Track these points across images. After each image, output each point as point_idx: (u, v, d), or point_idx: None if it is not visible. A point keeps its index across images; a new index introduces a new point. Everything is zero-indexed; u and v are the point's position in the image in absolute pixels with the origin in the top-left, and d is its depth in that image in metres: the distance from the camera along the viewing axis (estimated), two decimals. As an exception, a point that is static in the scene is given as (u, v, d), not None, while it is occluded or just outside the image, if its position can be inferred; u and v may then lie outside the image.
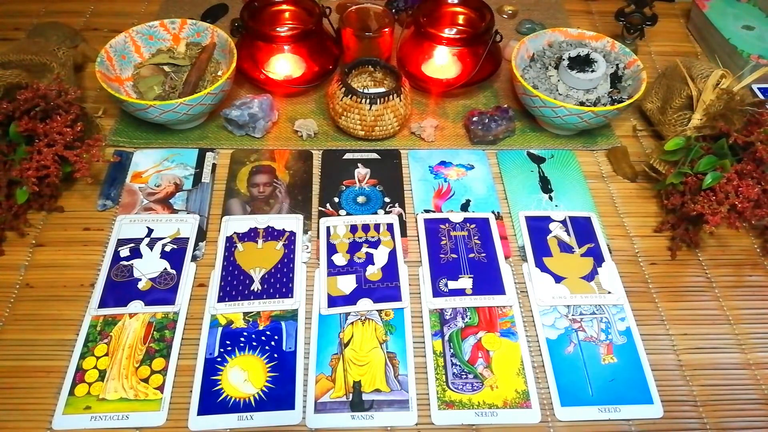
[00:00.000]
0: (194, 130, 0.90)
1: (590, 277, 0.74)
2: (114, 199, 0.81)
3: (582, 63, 0.89)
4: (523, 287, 0.74)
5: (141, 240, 0.76)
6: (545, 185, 0.85)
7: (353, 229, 0.78)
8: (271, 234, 0.77)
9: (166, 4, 1.15)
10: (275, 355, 0.66)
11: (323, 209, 0.81)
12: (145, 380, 0.64)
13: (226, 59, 0.92)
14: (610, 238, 0.80)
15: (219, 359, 0.66)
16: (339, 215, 0.80)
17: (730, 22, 1.06)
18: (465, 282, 0.73)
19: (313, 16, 0.94)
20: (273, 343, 0.67)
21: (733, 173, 0.73)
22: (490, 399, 0.64)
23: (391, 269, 0.74)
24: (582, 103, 0.88)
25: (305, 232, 0.78)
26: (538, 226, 0.79)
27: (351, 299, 0.71)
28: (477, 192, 0.84)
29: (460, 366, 0.66)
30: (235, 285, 0.72)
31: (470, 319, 0.70)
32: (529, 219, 0.80)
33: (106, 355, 0.65)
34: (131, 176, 0.83)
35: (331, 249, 0.76)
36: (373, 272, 0.74)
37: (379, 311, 0.70)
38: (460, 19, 1.02)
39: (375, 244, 0.77)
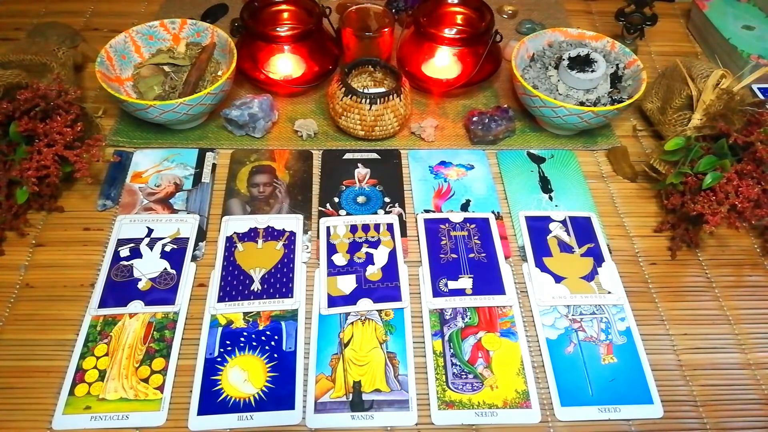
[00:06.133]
0: (194, 130, 0.90)
1: (590, 277, 0.74)
2: (114, 199, 0.81)
3: (582, 63, 0.89)
4: (523, 287, 0.74)
5: (141, 240, 0.76)
6: (545, 185, 0.85)
7: (353, 229, 0.78)
8: (271, 234, 0.77)
9: (166, 4, 1.15)
10: (275, 355, 0.66)
11: (323, 209, 0.81)
12: (145, 380, 0.64)
13: (226, 59, 0.92)
14: (610, 238, 0.80)
15: (219, 359, 0.66)
16: (339, 215, 0.80)
17: (730, 22, 1.06)
18: (465, 282, 0.73)
19: (313, 16, 0.94)
20: (273, 343, 0.67)
21: (733, 173, 0.73)
22: (490, 399, 0.64)
23: (391, 269, 0.74)
24: (582, 103, 0.88)
25: (305, 232, 0.78)
26: (538, 226, 0.79)
27: (351, 299, 0.71)
28: (477, 192, 0.84)
29: (460, 366, 0.66)
30: (235, 285, 0.72)
31: (470, 319, 0.70)
32: (529, 219, 0.80)
33: (106, 355, 0.65)
34: (131, 176, 0.83)
35: (331, 249, 0.76)
36: (373, 272, 0.74)
37: (379, 311, 0.70)
38: (460, 19, 1.02)
39: (375, 244, 0.77)
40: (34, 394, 0.63)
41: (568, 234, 0.79)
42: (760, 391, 0.66)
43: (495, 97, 0.99)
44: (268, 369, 0.65)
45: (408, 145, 0.90)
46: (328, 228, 0.78)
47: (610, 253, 0.77)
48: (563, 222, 0.80)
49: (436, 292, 0.72)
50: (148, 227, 0.77)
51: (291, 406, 0.62)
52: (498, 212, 0.81)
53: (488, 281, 0.73)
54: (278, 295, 0.71)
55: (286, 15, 1.01)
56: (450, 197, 0.83)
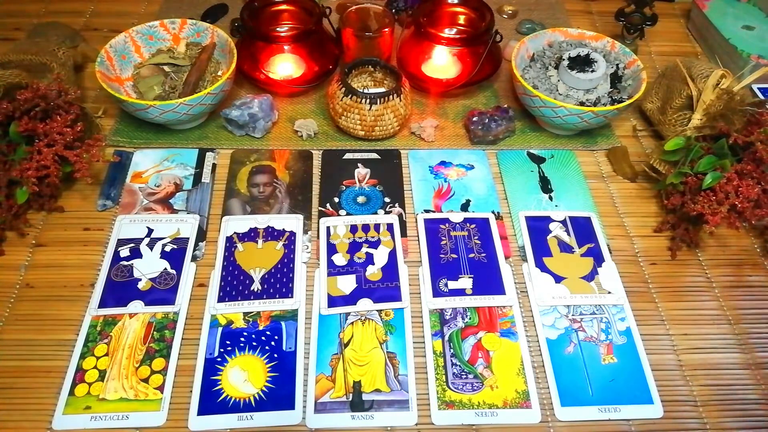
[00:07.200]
0: (194, 130, 0.90)
1: (590, 277, 0.74)
2: (114, 199, 0.81)
3: (582, 63, 0.89)
4: (523, 287, 0.74)
5: (141, 240, 0.76)
6: (545, 185, 0.85)
7: (353, 229, 0.78)
8: (271, 234, 0.77)
9: (166, 4, 1.15)
10: (275, 355, 0.66)
11: (323, 209, 0.81)
12: (145, 380, 0.64)
13: (226, 59, 0.92)
14: (610, 238, 0.80)
15: (219, 359, 0.66)
16: (339, 215, 0.80)
17: (730, 22, 1.06)
18: (465, 282, 0.73)
19: (313, 16, 0.94)
20: (273, 343, 0.67)
21: (733, 173, 0.73)
22: (490, 399, 0.64)
23: (391, 269, 0.74)
24: (582, 103, 0.88)
25: (305, 232, 0.78)
26: (538, 226, 0.79)
27: (351, 299, 0.71)
28: (477, 192, 0.84)
29: (460, 366, 0.66)
30: (235, 285, 0.72)
31: (470, 319, 0.70)
32: (529, 219, 0.80)
33: (106, 355, 0.65)
34: (131, 176, 0.83)
35: (331, 249, 0.76)
36: (373, 272, 0.74)
37: (379, 311, 0.70)
38: (460, 19, 1.02)
39: (375, 244, 0.77)
40: (34, 394, 0.63)
41: (568, 234, 0.79)
42: (760, 391, 0.66)
43: (495, 97, 0.99)
44: (268, 369, 0.65)
45: (408, 145, 0.90)
46: (328, 228, 0.78)
47: (610, 253, 0.77)
48: (563, 222, 0.80)
49: (436, 292, 0.72)
50: (148, 227, 0.77)
51: (291, 406, 0.62)
52: (498, 212, 0.81)
53: (488, 281, 0.73)
54: (278, 295, 0.71)
55: (286, 15, 1.01)
56: (450, 197, 0.83)
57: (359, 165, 0.87)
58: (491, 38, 0.92)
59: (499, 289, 0.73)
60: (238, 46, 0.90)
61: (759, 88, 1.00)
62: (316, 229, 0.79)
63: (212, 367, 0.65)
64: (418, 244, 0.77)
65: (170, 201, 0.81)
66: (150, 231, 0.77)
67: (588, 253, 0.77)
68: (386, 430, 0.62)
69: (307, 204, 0.81)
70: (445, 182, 0.85)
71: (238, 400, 0.63)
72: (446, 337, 0.68)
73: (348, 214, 0.80)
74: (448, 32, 1.01)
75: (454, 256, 0.76)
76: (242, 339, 0.67)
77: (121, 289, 0.71)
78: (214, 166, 0.86)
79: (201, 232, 0.78)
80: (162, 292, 0.71)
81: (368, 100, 0.83)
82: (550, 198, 0.83)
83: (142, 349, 0.66)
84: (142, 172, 0.84)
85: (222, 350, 0.66)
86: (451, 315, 0.70)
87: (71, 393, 0.63)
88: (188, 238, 0.76)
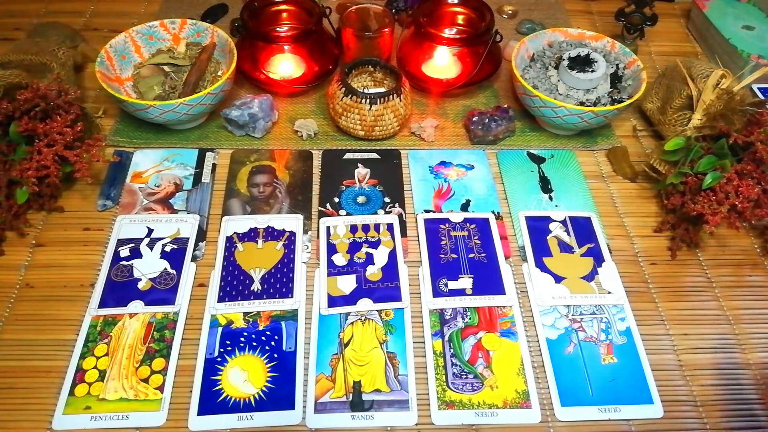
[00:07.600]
0: (194, 130, 0.90)
1: (590, 277, 0.74)
2: (114, 199, 0.81)
3: (582, 63, 0.89)
4: (523, 287, 0.74)
5: (141, 240, 0.76)
6: (545, 185, 0.85)
7: (353, 229, 0.78)
8: (271, 234, 0.77)
9: (166, 4, 1.15)
10: (275, 355, 0.66)
11: (323, 209, 0.81)
12: (145, 380, 0.64)
13: (226, 59, 0.92)
14: (610, 238, 0.80)
15: (219, 359, 0.66)
16: (339, 215, 0.80)
17: (730, 22, 1.06)
18: (465, 282, 0.73)
19: (313, 16, 0.94)
20: (273, 343, 0.67)
21: (733, 173, 0.73)
22: (490, 399, 0.64)
23: (391, 269, 0.74)
24: (582, 103, 0.88)
25: (305, 232, 0.78)
26: (538, 226, 0.79)
27: (351, 299, 0.71)
28: (477, 192, 0.84)
29: (460, 366, 0.66)
30: (235, 285, 0.72)
31: (470, 319, 0.70)
32: (529, 219, 0.80)
33: (106, 355, 0.65)
34: (131, 176, 0.83)
35: (331, 249, 0.76)
36: (373, 272, 0.74)
37: (379, 311, 0.70)
38: (460, 19, 1.02)
39: (375, 244, 0.77)
40: (34, 394, 0.63)
41: (568, 234, 0.79)
42: (761, 391, 0.66)
43: (495, 97, 0.99)
44: (268, 369, 0.65)
45: (408, 145, 0.90)
46: (328, 228, 0.78)
47: (610, 253, 0.77)
48: (563, 222, 0.80)
49: (436, 292, 0.72)
50: (148, 227, 0.77)
51: (291, 406, 0.62)
52: (498, 212, 0.81)
53: (488, 281, 0.73)
54: (278, 295, 0.71)
55: (286, 15, 1.01)
56: (450, 197, 0.83)
57: (359, 165, 0.87)
58: (491, 38, 0.92)
59: (499, 289, 0.73)
60: (238, 46, 0.90)
61: (759, 88, 1.00)
62: (316, 229, 0.79)
63: (212, 367, 0.65)
64: (418, 244, 0.77)
65: (170, 201, 0.81)
66: (150, 231, 0.77)
67: (588, 253, 0.77)
68: (386, 430, 0.62)
69: (307, 204, 0.81)
70: (445, 182, 0.85)
71: (238, 400, 0.63)
72: (446, 337, 0.68)
73: (348, 214, 0.80)
74: (448, 32, 1.01)
75: (454, 256, 0.76)
76: (242, 339, 0.67)
77: (121, 289, 0.71)
78: (214, 166, 0.86)
79: (201, 232, 0.78)
80: (162, 292, 0.71)
81: (368, 100, 0.83)
82: (550, 198, 0.83)
83: (142, 349, 0.66)
84: (142, 172, 0.84)
85: (222, 350, 0.66)
86: (451, 315, 0.70)
87: (71, 393, 0.63)
88: (188, 238, 0.76)
